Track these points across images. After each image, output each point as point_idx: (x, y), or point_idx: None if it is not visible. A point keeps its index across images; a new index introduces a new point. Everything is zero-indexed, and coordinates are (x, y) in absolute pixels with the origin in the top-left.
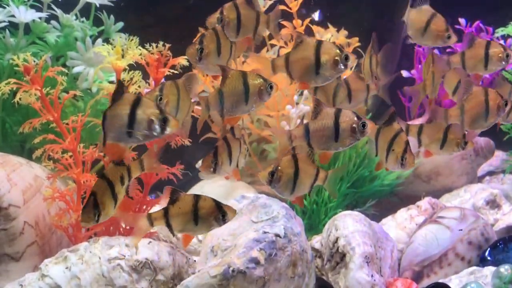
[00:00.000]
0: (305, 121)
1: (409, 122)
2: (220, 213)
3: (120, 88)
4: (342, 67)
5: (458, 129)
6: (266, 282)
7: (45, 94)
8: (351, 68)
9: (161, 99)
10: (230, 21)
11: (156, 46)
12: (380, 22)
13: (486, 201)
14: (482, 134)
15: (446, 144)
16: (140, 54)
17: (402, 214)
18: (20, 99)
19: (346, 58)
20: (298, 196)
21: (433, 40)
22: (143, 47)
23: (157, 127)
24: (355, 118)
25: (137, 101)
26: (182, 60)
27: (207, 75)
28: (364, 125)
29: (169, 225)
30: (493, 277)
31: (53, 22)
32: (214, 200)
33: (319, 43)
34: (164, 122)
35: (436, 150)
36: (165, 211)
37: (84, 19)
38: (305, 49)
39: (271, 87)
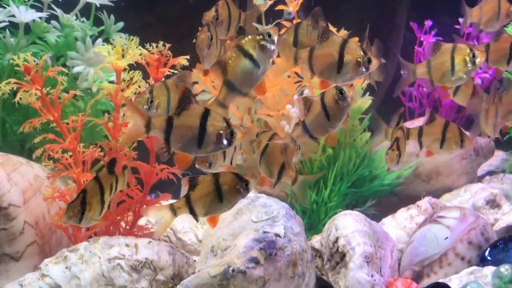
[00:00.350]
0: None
1: (409, 123)
2: (243, 183)
3: (187, 96)
4: (364, 69)
5: (456, 128)
6: (266, 282)
7: (45, 94)
8: None
9: (152, 101)
10: (224, 19)
11: (156, 46)
12: (380, 22)
13: (486, 200)
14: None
15: (445, 143)
16: (140, 54)
17: (402, 214)
18: (20, 99)
19: (369, 61)
20: (263, 177)
21: (504, 21)
22: (143, 47)
23: (225, 140)
24: (335, 91)
25: (206, 113)
26: (182, 60)
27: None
28: (342, 92)
29: (192, 212)
30: (493, 277)
31: (53, 22)
32: (233, 173)
33: (345, 42)
34: (231, 135)
35: (437, 150)
36: (187, 198)
37: (84, 19)
38: (330, 46)
39: (270, 35)
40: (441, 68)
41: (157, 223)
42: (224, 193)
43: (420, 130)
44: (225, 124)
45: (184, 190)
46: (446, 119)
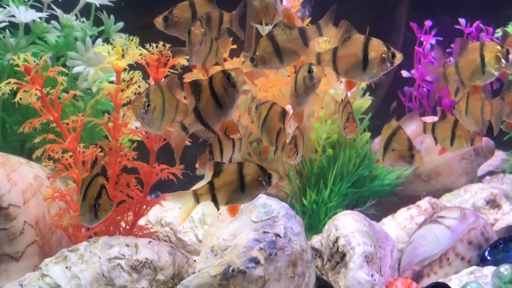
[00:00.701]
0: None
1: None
2: (266, 175)
3: (194, 83)
4: (389, 65)
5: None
6: (266, 281)
7: (45, 94)
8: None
9: (149, 105)
10: (183, 21)
11: (156, 46)
12: (380, 22)
13: (486, 200)
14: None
15: (455, 140)
16: (140, 54)
17: (402, 214)
18: (20, 99)
19: (393, 56)
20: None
21: None
22: (143, 47)
23: (234, 88)
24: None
25: (210, 81)
26: (182, 60)
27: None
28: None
29: (214, 199)
30: (493, 277)
31: (53, 22)
32: (257, 165)
33: (368, 39)
34: (235, 80)
35: (448, 147)
36: (211, 185)
37: (84, 19)
38: (353, 45)
39: None
40: (470, 66)
41: (180, 209)
42: (246, 184)
43: (434, 126)
44: (227, 77)
45: (208, 175)
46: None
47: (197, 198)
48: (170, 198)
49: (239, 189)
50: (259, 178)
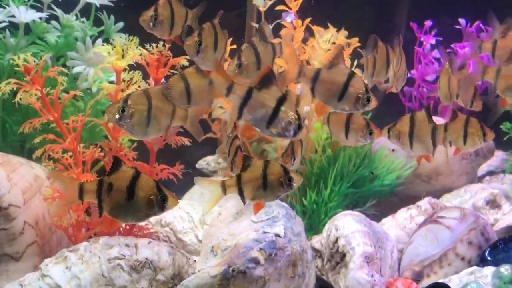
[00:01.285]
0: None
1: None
2: (287, 177)
3: (269, 76)
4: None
5: (476, 123)
6: (266, 282)
7: (45, 94)
8: None
9: (123, 110)
10: (164, 19)
11: (156, 46)
12: (380, 22)
13: (486, 201)
14: None
15: (468, 138)
16: (140, 54)
17: (402, 214)
18: (20, 99)
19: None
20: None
21: None
22: (143, 47)
23: (292, 130)
24: None
25: (282, 99)
26: (182, 60)
27: None
28: None
29: (241, 193)
30: (493, 277)
31: (53, 22)
32: (282, 166)
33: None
34: (299, 127)
35: (461, 146)
36: (238, 178)
37: (84, 19)
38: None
39: None
40: (508, 80)
41: (207, 197)
42: (268, 182)
43: (445, 127)
44: (296, 114)
45: (236, 167)
46: (467, 115)
47: (224, 189)
48: (200, 182)
49: (262, 187)
50: (280, 179)
